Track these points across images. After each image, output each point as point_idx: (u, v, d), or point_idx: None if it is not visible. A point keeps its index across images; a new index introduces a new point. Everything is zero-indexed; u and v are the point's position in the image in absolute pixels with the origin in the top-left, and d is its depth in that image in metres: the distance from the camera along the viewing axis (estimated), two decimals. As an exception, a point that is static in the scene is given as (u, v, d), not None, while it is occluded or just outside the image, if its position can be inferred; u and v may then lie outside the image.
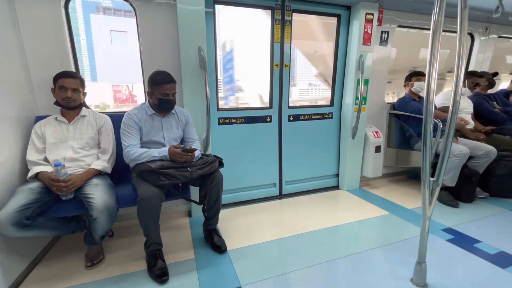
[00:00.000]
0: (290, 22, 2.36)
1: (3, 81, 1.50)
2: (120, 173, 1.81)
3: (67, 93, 1.55)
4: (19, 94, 1.65)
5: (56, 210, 1.45)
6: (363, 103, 2.57)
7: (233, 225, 2.09)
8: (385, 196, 2.61)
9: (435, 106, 2.65)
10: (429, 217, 1.29)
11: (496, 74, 2.91)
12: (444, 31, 1.17)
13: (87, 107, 1.73)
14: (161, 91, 1.63)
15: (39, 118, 1.68)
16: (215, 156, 1.75)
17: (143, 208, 1.42)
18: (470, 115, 2.78)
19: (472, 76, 2.86)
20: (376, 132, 2.73)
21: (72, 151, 1.57)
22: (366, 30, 2.42)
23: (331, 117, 2.74)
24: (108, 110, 2.10)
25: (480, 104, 2.87)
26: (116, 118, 1.83)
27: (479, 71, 3.12)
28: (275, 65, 2.39)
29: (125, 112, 1.72)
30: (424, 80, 2.58)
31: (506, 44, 3.70)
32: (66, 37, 1.83)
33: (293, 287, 1.40)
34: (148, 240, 1.52)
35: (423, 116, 1.19)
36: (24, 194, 1.34)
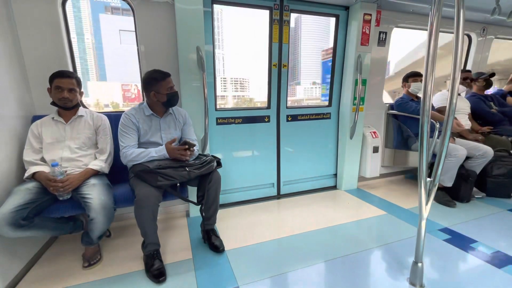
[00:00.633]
0: (289, 22, 2.36)
1: None
2: (118, 173, 1.80)
3: (64, 93, 1.54)
4: (16, 94, 1.64)
5: (53, 210, 1.45)
6: (361, 103, 2.57)
7: (231, 225, 2.09)
8: (382, 196, 2.62)
9: (433, 107, 2.67)
10: (425, 217, 1.30)
11: (493, 74, 2.93)
12: (441, 31, 1.18)
13: (84, 106, 1.72)
14: (167, 85, 1.64)
15: (35, 118, 1.67)
16: (213, 156, 1.75)
17: (141, 208, 1.42)
18: (467, 116, 2.80)
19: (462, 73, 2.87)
20: (374, 132, 2.74)
21: (69, 151, 1.57)
22: (364, 30, 2.42)
23: (329, 117, 2.74)
24: (114, 110, 2.09)
25: (477, 104, 2.89)
26: (114, 118, 1.83)
27: (475, 72, 3.14)
28: (273, 65, 2.39)
29: (122, 112, 1.71)
30: (421, 81, 2.61)
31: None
32: (63, 36, 1.82)
33: (290, 287, 1.40)
34: (146, 240, 1.52)
35: (420, 117, 1.19)
36: (20, 194, 1.33)
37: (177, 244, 1.82)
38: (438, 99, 2.78)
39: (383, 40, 2.70)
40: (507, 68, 4.15)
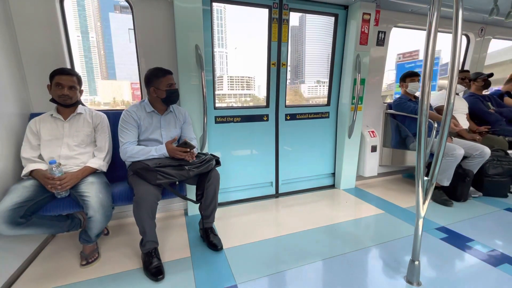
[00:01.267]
0: (288, 21, 2.36)
1: None
2: (116, 171, 1.80)
3: (64, 90, 1.53)
4: (13, 91, 1.63)
5: (51, 208, 1.45)
6: (360, 102, 2.58)
7: (230, 223, 2.09)
8: (380, 195, 2.63)
9: (431, 106, 2.68)
10: (423, 216, 1.30)
11: (491, 75, 2.95)
12: (440, 31, 1.18)
13: (83, 104, 1.71)
14: (166, 82, 1.64)
15: (33, 115, 1.66)
16: (212, 155, 1.75)
17: (139, 207, 1.41)
18: (465, 115, 2.81)
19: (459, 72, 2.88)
20: (372, 132, 2.75)
21: (68, 148, 1.56)
22: (363, 30, 2.43)
23: (328, 117, 2.75)
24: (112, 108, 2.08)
25: (475, 104, 2.90)
26: (112, 116, 1.83)
27: (473, 72, 3.16)
28: (272, 64, 2.39)
29: (121, 110, 1.71)
30: (418, 81, 2.62)
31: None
32: (61, 33, 1.81)
33: (288, 285, 1.40)
34: (144, 238, 1.52)
35: (418, 117, 1.20)
36: (18, 192, 1.32)
37: (176, 242, 1.82)
38: (436, 98, 2.80)
39: (382, 40, 2.70)
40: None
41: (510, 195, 2.56)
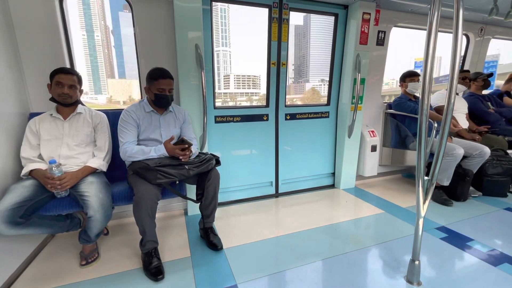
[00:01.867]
0: (288, 20, 2.36)
1: None
2: (116, 171, 1.80)
3: (64, 89, 1.53)
4: (12, 90, 1.63)
5: (51, 208, 1.44)
6: (360, 102, 2.58)
7: (230, 223, 2.09)
8: (380, 195, 2.63)
9: (431, 106, 2.68)
10: (423, 215, 1.30)
11: (491, 75, 2.95)
12: (440, 31, 1.18)
13: (82, 104, 1.71)
14: (158, 86, 1.62)
15: (33, 115, 1.66)
16: (212, 154, 1.75)
17: (139, 206, 1.41)
18: (465, 115, 2.82)
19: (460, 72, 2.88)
20: (372, 132, 2.75)
21: (68, 148, 1.56)
22: (363, 29, 2.43)
23: (328, 116, 2.75)
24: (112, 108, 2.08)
25: (475, 104, 2.91)
26: (112, 116, 1.82)
27: (473, 72, 3.16)
28: (272, 64, 2.39)
29: (121, 109, 1.70)
30: (418, 80, 2.62)
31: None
32: (60, 33, 1.81)
33: (288, 285, 1.40)
34: (144, 238, 1.52)
35: (418, 116, 1.20)
36: (17, 192, 1.32)
37: (175, 242, 1.82)
38: (436, 98, 2.80)
39: (382, 40, 2.70)
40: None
41: (510, 194, 2.57)
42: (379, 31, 2.65)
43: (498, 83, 3.40)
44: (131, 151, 1.56)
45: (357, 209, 2.34)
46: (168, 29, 1.99)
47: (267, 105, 2.47)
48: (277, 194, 2.67)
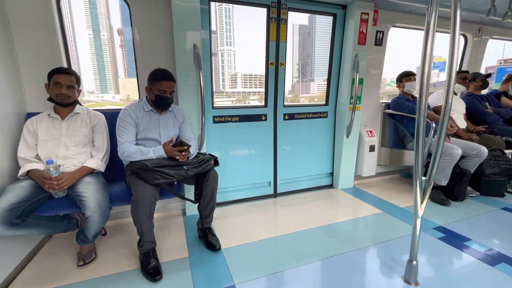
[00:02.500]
0: (286, 20, 2.36)
1: None
2: (114, 171, 1.79)
3: (62, 89, 1.52)
4: (9, 90, 1.62)
5: (48, 209, 1.43)
6: (358, 102, 2.58)
7: (228, 223, 2.09)
8: (378, 195, 2.64)
9: (429, 106, 2.69)
10: (421, 215, 1.31)
11: (489, 75, 2.97)
12: (438, 31, 1.18)
13: (80, 104, 1.70)
14: (159, 87, 1.62)
15: (30, 115, 1.65)
16: (210, 154, 1.74)
17: (137, 207, 1.41)
18: (463, 116, 2.82)
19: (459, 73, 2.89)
20: (371, 132, 2.76)
21: (65, 148, 1.55)
22: (361, 29, 2.43)
23: (326, 116, 2.75)
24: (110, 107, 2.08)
25: (473, 104, 2.92)
26: (110, 116, 1.82)
27: (471, 72, 3.17)
28: (271, 64, 2.39)
29: (118, 109, 1.70)
30: (414, 80, 2.62)
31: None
32: (57, 33, 1.80)
33: (286, 285, 1.40)
34: (142, 238, 1.51)
35: (416, 116, 1.20)
36: (14, 192, 1.31)
37: (173, 243, 1.82)
38: (434, 98, 2.80)
39: (380, 40, 2.71)
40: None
41: (507, 194, 2.58)
42: (377, 31, 2.66)
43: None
44: (129, 151, 1.56)
45: (355, 209, 2.34)
46: (166, 29, 1.98)
47: (266, 105, 2.47)
48: (275, 194, 2.67)
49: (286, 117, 2.57)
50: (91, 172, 1.57)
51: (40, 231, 1.44)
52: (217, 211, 2.23)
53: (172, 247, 1.76)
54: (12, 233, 1.28)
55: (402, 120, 2.73)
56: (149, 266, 1.47)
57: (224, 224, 2.08)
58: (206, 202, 1.69)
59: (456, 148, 2.27)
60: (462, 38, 3.35)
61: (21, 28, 1.70)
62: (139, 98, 2.03)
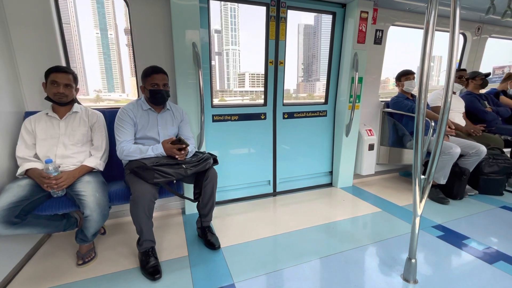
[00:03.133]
0: (285, 19, 2.35)
1: None
2: (113, 170, 1.79)
3: (59, 88, 1.51)
4: (7, 89, 1.61)
5: (47, 208, 1.43)
6: (357, 101, 2.58)
7: (227, 222, 2.09)
8: (377, 194, 2.64)
9: (428, 105, 2.69)
10: (419, 214, 1.31)
11: (488, 74, 2.97)
12: (437, 30, 1.18)
13: (79, 103, 1.70)
14: (151, 81, 1.62)
15: (28, 114, 1.64)
16: (209, 153, 1.74)
17: (136, 206, 1.41)
18: (462, 114, 2.83)
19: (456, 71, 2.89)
20: (370, 130, 2.76)
21: (64, 147, 1.54)
22: (360, 28, 2.42)
23: (325, 115, 2.75)
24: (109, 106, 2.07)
25: (472, 103, 2.92)
26: (109, 115, 1.81)
27: (470, 71, 3.17)
28: (270, 62, 2.38)
29: (117, 108, 1.69)
30: (413, 79, 2.63)
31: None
32: (56, 31, 1.79)
33: (285, 284, 1.41)
34: (141, 237, 1.51)
35: (415, 115, 1.20)
36: (13, 191, 1.31)
37: (173, 242, 1.82)
38: (433, 98, 2.81)
39: (379, 38, 2.71)
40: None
41: (506, 193, 2.59)
42: (376, 30, 2.65)
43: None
44: (128, 150, 1.55)
45: (355, 208, 2.34)
46: (165, 27, 1.97)
47: (265, 104, 2.47)
48: (274, 193, 2.67)
49: (286, 116, 2.57)
50: (90, 171, 1.56)
51: (39, 230, 1.44)
52: (217, 210, 2.23)
53: (171, 246, 1.76)
54: (11, 232, 1.27)
55: (401, 119, 2.73)
56: (148, 265, 1.47)
57: (223, 223, 2.08)
58: (206, 201, 1.68)
59: (455, 146, 2.27)
60: (461, 36, 3.35)
61: (19, 26, 1.69)
62: (138, 97, 2.02)
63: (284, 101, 2.53)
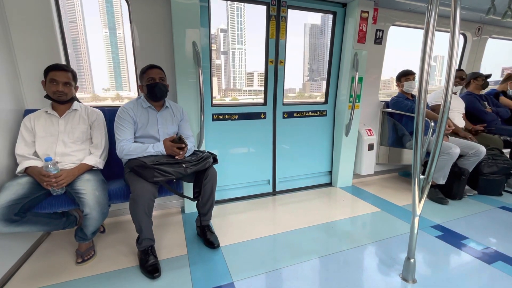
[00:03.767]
0: (286, 18, 2.35)
1: None
2: (112, 168, 1.79)
3: (58, 86, 1.51)
4: (7, 87, 1.61)
5: (46, 206, 1.43)
6: (357, 101, 2.58)
7: (227, 221, 2.09)
8: (377, 193, 2.64)
9: (427, 105, 2.70)
10: (418, 214, 1.31)
11: (489, 76, 2.97)
12: (437, 30, 1.18)
13: (78, 101, 1.70)
14: (147, 76, 1.63)
15: (27, 112, 1.64)
16: (209, 152, 1.74)
17: (136, 204, 1.41)
18: (462, 115, 2.83)
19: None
20: (369, 130, 2.76)
21: (63, 145, 1.54)
22: (361, 28, 2.42)
23: (325, 115, 2.75)
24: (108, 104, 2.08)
25: (472, 103, 2.92)
26: (108, 113, 1.81)
27: (470, 71, 3.17)
28: (270, 62, 2.38)
29: (117, 106, 1.69)
30: (413, 79, 2.63)
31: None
32: (56, 29, 1.79)
33: (285, 283, 1.41)
34: (141, 236, 1.51)
35: (415, 115, 1.20)
36: (13, 189, 1.31)
37: (172, 240, 1.82)
38: (433, 97, 2.81)
39: (379, 38, 2.71)
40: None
41: (504, 193, 2.59)
42: (377, 30, 2.65)
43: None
44: (128, 148, 1.55)
45: (354, 207, 2.35)
46: (166, 26, 1.97)
47: (265, 103, 2.47)
48: (274, 192, 2.68)
49: (285, 116, 2.57)
50: (90, 169, 1.56)
51: (38, 228, 1.44)
52: (216, 209, 2.23)
53: (170, 245, 1.76)
54: (10, 230, 1.27)
55: (401, 119, 2.74)
56: (147, 263, 1.47)
57: (223, 222, 2.08)
58: (205, 200, 1.69)
59: (455, 147, 2.28)
60: (461, 37, 3.35)
61: (19, 24, 1.68)
62: (138, 95, 2.02)
63: (284, 100, 2.53)
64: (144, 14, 1.93)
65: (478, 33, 3.28)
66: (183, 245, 1.76)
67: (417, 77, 2.56)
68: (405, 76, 2.64)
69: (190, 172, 1.57)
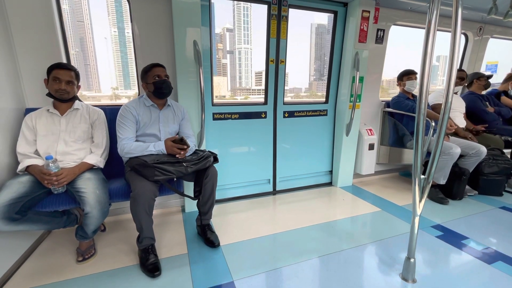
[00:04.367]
0: (287, 17, 2.34)
1: None
2: (113, 167, 1.79)
3: (61, 85, 1.51)
4: (8, 86, 1.61)
5: (47, 204, 1.44)
6: (358, 100, 2.58)
7: (227, 220, 2.10)
8: (377, 193, 2.64)
9: (428, 105, 2.69)
10: (419, 214, 1.31)
11: (490, 76, 2.97)
12: (439, 30, 1.18)
13: (80, 100, 1.70)
14: (152, 74, 1.64)
15: (29, 110, 1.64)
16: (209, 151, 1.74)
17: (137, 203, 1.41)
18: (463, 115, 2.83)
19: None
20: (370, 130, 2.76)
21: (64, 144, 1.55)
22: (362, 27, 2.42)
23: (326, 114, 2.75)
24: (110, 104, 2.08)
25: (474, 103, 2.91)
26: (110, 112, 1.81)
27: (471, 71, 3.17)
28: (271, 61, 2.38)
29: (118, 105, 1.69)
30: (415, 79, 2.63)
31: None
32: (56, 28, 1.79)
33: (285, 282, 1.41)
34: (141, 235, 1.52)
35: (416, 115, 1.20)
36: (14, 187, 1.31)
37: (173, 239, 1.82)
38: (433, 96, 2.81)
39: (380, 38, 2.70)
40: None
41: (505, 193, 2.59)
42: (378, 29, 2.65)
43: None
44: (129, 147, 1.56)
45: (354, 207, 2.35)
46: (166, 25, 1.97)
47: (266, 103, 2.47)
48: (274, 192, 2.68)
49: (286, 115, 2.57)
50: (91, 168, 1.57)
51: (39, 227, 1.44)
52: (216, 208, 2.23)
53: (171, 244, 1.76)
54: (11, 228, 1.28)
55: (401, 119, 2.73)
56: (148, 262, 1.48)
57: (223, 221, 2.08)
58: (206, 199, 1.69)
59: (455, 147, 2.27)
60: (463, 37, 3.34)
61: (20, 23, 1.68)
62: (139, 94, 2.02)
63: (285, 99, 2.53)
64: (145, 12, 1.93)
65: (479, 33, 3.27)
66: (184, 244, 1.77)
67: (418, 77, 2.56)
68: (407, 75, 2.63)
69: (191, 171, 1.58)
